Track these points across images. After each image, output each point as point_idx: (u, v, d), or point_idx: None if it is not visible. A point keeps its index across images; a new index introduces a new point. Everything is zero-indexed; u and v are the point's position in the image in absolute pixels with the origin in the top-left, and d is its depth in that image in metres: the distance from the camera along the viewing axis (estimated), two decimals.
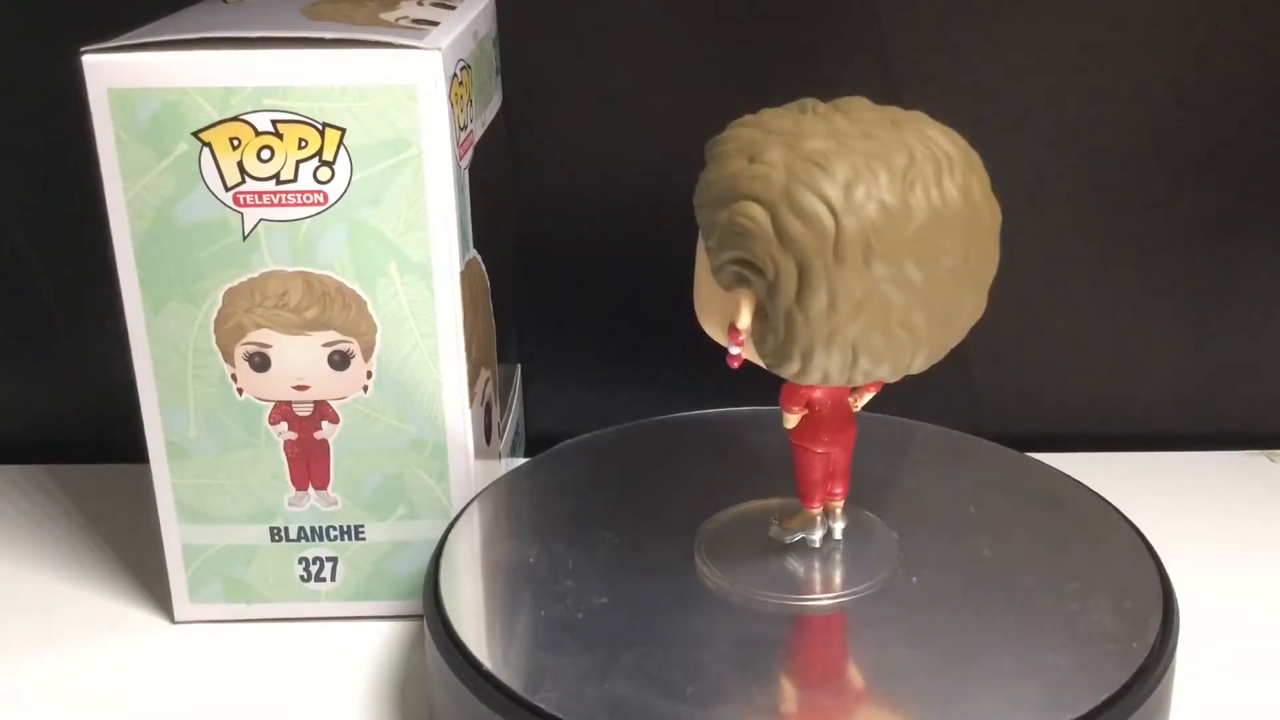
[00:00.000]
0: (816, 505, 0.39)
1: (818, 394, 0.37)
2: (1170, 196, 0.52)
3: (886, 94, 0.35)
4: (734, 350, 0.34)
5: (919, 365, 0.34)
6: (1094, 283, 0.54)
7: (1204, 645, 0.41)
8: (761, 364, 0.34)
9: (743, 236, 0.32)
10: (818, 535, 0.39)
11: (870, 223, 0.31)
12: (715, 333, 0.35)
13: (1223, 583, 0.45)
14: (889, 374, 0.34)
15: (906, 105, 0.34)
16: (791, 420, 0.37)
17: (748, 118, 0.34)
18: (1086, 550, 0.40)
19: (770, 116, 0.34)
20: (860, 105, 0.34)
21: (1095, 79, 0.51)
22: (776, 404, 0.37)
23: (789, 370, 0.34)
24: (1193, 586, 0.41)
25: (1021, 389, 0.55)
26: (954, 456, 0.46)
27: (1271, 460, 0.54)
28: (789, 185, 0.31)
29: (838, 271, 0.31)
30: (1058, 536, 0.41)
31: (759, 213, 0.32)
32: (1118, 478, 0.46)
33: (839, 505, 0.39)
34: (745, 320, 0.33)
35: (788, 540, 0.39)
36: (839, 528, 0.39)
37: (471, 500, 0.42)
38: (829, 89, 0.35)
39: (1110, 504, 0.42)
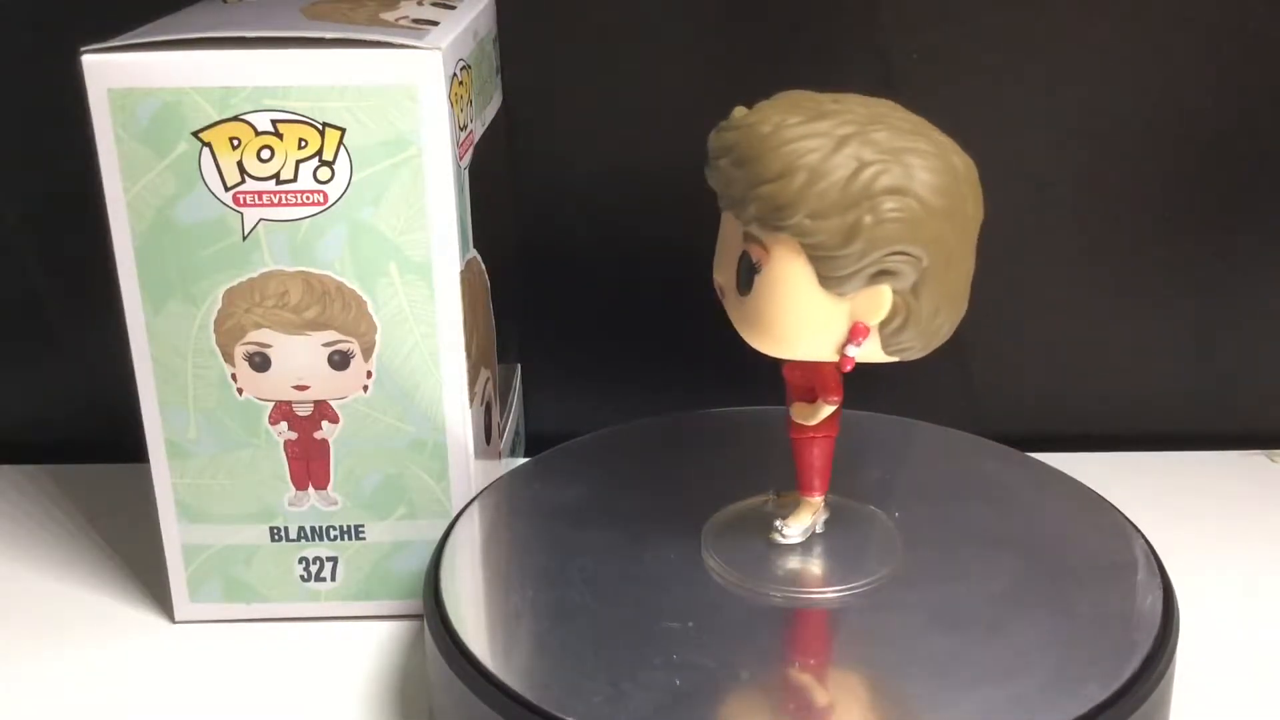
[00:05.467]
0: (821, 493, 0.39)
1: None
2: (1171, 196, 0.52)
3: (886, 94, 0.35)
4: (852, 352, 0.34)
5: None
6: (1094, 282, 0.54)
7: (1204, 645, 0.41)
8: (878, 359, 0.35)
9: (902, 226, 0.32)
10: (823, 520, 0.39)
11: (976, 183, 0.34)
12: (803, 345, 0.34)
13: (1223, 582, 0.45)
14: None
15: (906, 105, 0.34)
16: (828, 410, 0.37)
17: (766, 130, 0.33)
18: (1086, 550, 0.40)
19: (804, 117, 0.33)
20: (826, 95, 0.34)
21: (1095, 78, 0.51)
22: (773, 403, 0.37)
23: (915, 351, 0.35)
24: (1193, 586, 0.41)
25: (1021, 389, 0.55)
26: (954, 456, 0.46)
27: (1271, 460, 0.54)
28: (913, 172, 0.32)
29: (974, 235, 0.34)
30: (1058, 536, 0.41)
31: (908, 203, 0.32)
32: (1118, 478, 0.46)
33: None
34: (883, 314, 0.33)
35: (799, 539, 0.39)
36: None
37: (471, 500, 0.42)
38: (830, 89, 0.35)
39: (1110, 504, 0.42)
